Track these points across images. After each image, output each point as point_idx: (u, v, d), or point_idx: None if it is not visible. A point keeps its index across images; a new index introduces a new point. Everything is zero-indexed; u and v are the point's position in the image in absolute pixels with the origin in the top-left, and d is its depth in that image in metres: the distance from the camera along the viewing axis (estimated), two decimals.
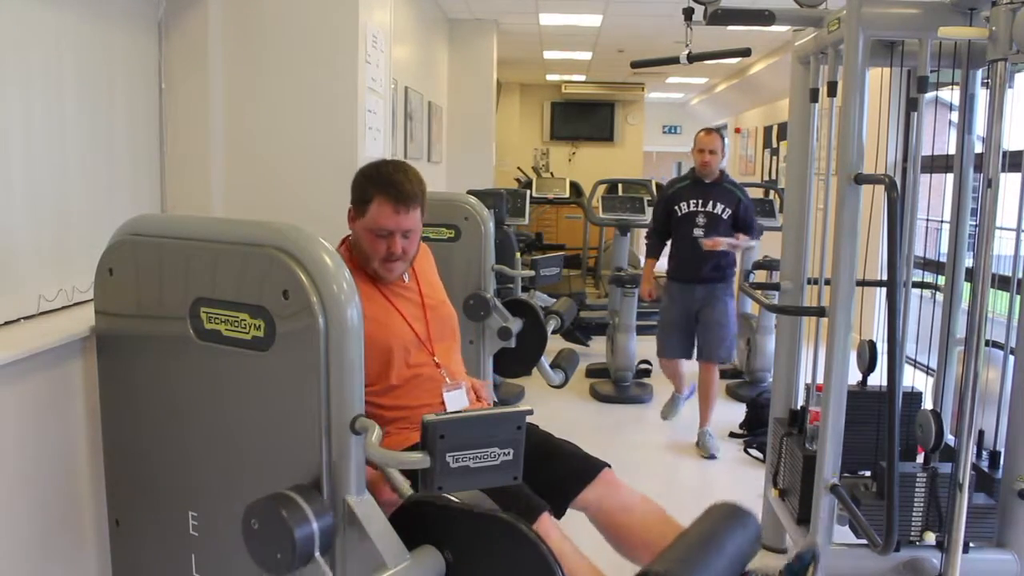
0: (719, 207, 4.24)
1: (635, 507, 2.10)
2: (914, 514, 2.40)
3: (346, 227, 2.12)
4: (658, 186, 7.44)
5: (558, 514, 2.03)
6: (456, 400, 2.12)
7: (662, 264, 4.55)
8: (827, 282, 2.69)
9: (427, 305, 2.16)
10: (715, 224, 4.23)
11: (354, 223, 2.06)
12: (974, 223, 2.55)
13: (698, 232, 4.22)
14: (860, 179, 2.36)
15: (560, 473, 2.08)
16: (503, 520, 1.51)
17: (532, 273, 3.52)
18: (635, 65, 3.27)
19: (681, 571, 1.47)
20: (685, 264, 4.31)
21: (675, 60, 2.98)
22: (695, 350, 4.36)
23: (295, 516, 1.40)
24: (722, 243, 4.15)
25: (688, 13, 2.79)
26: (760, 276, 4.61)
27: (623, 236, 6.75)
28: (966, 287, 2.57)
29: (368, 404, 1.93)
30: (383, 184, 2.00)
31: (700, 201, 4.26)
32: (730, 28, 4.48)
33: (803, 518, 2.64)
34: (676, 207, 4.31)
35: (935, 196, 4.73)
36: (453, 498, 1.62)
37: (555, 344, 2.96)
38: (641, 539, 2.05)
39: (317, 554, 1.41)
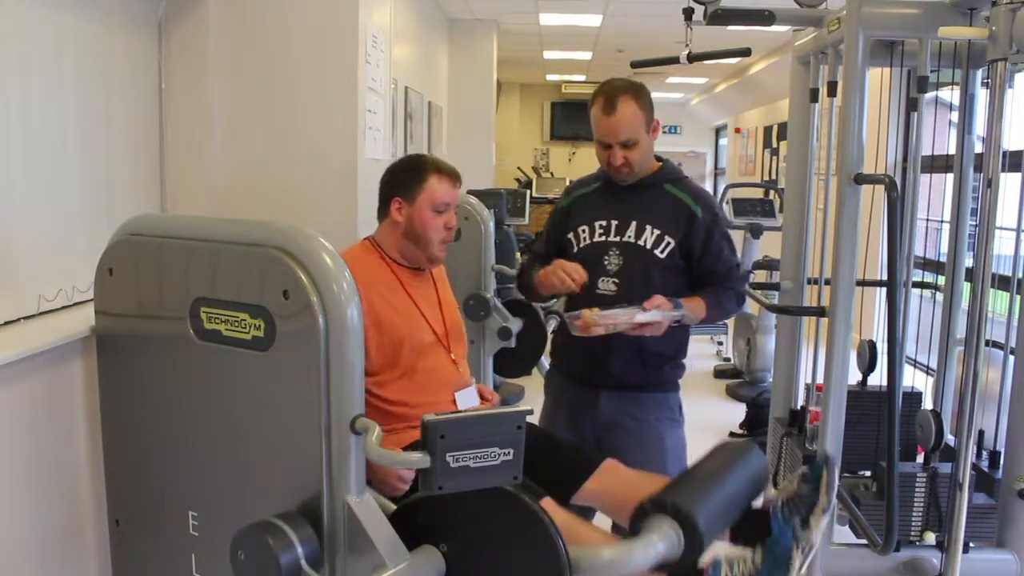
0: (650, 233, 2.24)
1: (643, 481, 2.02)
2: (914, 514, 2.40)
3: (345, 228, 2.13)
4: None
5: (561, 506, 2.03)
6: (467, 399, 2.14)
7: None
8: (827, 282, 2.69)
9: (445, 311, 2.21)
10: (641, 268, 2.25)
11: (402, 212, 2.12)
12: (974, 223, 2.55)
13: (607, 286, 2.24)
14: (860, 179, 2.36)
15: (562, 466, 2.07)
16: (500, 492, 1.46)
17: None
18: (635, 65, 3.27)
19: (680, 501, 1.39)
20: (580, 345, 2.23)
21: (675, 60, 2.98)
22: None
23: (281, 543, 1.40)
24: (607, 325, 2.11)
25: (688, 13, 2.79)
26: (760, 276, 4.59)
27: None
28: (966, 287, 2.57)
29: (373, 397, 1.96)
30: (432, 164, 2.15)
31: (615, 223, 2.28)
32: (730, 28, 4.48)
33: None
34: (573, 233, 2.34)
35: (935, 196, 4.71)
36: None
37: None
38: None
39: (304, 566, 1.41)
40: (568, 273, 2.19)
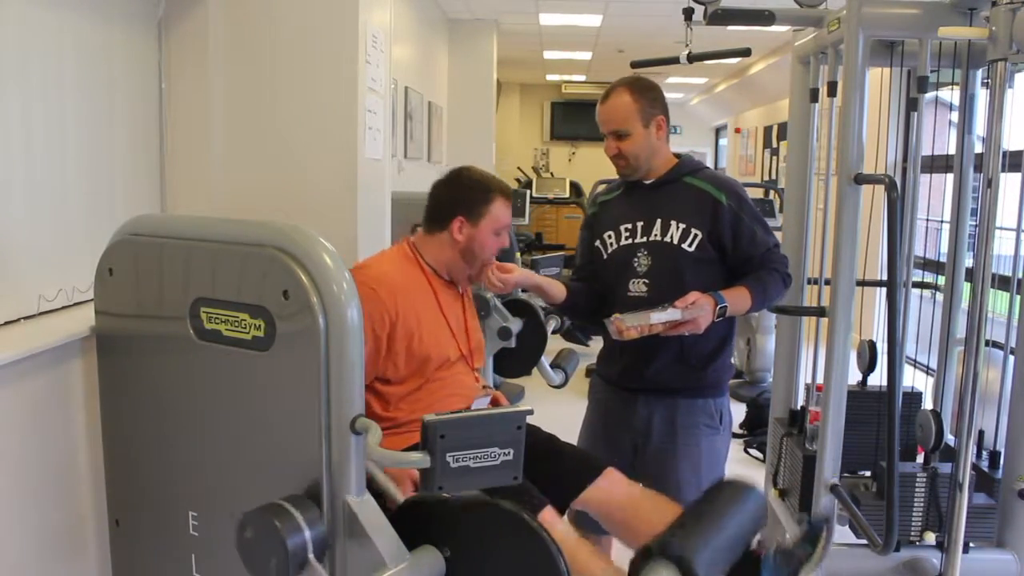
0: (676, 228, 2.19)
1: (639, 500, 2.06)
2: (914, 514, 2.40)
3: (345, 228, 2.12)
4: None
5: (560, 512, 2.03)
6: (480, 406, 2.15)
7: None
8: (827, 282, 2.69)
9: (470, 327, 2.21)
10: (671, 265, 2.20)
11: (463, 231, 2.08)
12: (974, 223, 2.55)
13: (638, 287, 2.22)
14: (860, 179, 2.36)
15: (562, 471, 2.08)
16: (504, 509, 1.49)
17: None
18: (635, 65, 3.26)
19: (681, 546, 1.42)
20: (621, 350, 2.23)
21: (675, 60, 2.98)
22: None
23: (288, 526, 1.40)
24: (641, 328, 2.06)
25: (688, 13, 2.78)
26: None
27: None
28: (966, 287, 2.57)
29: (387, 404, 1.96)
30: (499, 187, 2.12)
31: (640, 224, 2.24)
32: (730, 28, 4.46)
33: None
34: (600, 241, 2.33)
35: (935, 196, 4.71)
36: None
37: (555, 344, 2.95)
38: (647, 530, 2.05)
39: (311, 557, 1.41)
40: (496, 272, 2.15)
